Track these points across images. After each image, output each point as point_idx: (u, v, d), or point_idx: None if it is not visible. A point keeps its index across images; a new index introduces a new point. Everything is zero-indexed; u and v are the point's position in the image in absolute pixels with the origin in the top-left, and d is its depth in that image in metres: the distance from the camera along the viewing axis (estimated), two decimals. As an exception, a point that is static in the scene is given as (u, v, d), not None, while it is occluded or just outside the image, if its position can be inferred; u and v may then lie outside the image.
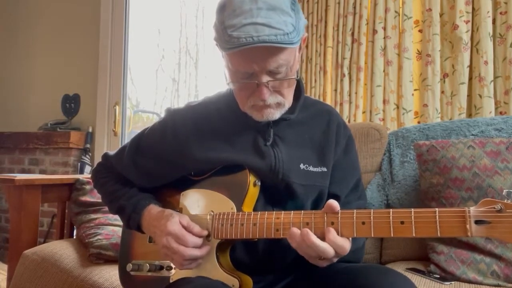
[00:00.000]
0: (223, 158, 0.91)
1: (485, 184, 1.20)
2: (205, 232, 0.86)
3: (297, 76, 0.89)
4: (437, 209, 0.67)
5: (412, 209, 0.69)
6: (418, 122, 1.88)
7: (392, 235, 0.70)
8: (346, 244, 0.74)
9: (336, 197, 0.95)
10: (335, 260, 0.78)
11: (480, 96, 1.71)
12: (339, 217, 0.74)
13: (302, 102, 0.98)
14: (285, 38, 0.79)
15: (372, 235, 0.72)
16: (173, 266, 0.93)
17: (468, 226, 0.64)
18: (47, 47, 3.08)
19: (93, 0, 2.92)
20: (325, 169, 0.95)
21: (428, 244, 1.28)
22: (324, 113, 1.02)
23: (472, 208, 0.65)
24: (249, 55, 0.80)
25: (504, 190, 0.66)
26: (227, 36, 0.78)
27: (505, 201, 0.64)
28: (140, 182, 1.01)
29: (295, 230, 0.75)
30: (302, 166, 0.92)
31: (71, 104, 2.98)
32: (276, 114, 0.88)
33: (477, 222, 0.64)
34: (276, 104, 0.87)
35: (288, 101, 0.90)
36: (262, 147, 0.92)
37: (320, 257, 0.74)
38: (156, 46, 3.25)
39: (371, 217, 0.72)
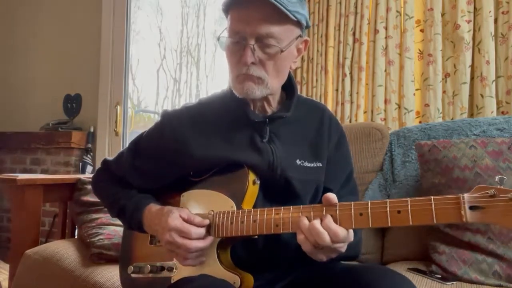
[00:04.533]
0: (221, 156, 0.92)
1: (487, 184, 1.19)
2: (207, 221, 0.86)
3: (290, 68, 0.93)
4: (432, 197, 0.69)
5: (408, 199, 0.70)
6: (420, 122, 1.88)
7: (389, 224, 0.71)
8: (340, 232, 0.73)
9: (330, 192, 0.96)
10: (334, 255, 0.78)
11: (482, 96, 1.71)
12: (338, 210, 0.75)
13: (296, 100, 0.99)
14: (285, 2, 0.82)
15: (370, 226, 0.72)
16: (174, 267, 0.93)
17: (463, 212, 0.65)
18: (48, 47, 3.09)
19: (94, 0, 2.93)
20: (320, 164, 0.96)
21: (430, 244, 1.28)
22: (316, 110, 1.04)
23: (466, 195, 0.66)
24: (244, 14, 0.84)
25: (497, 177, 0.67)
26: None
27: (498, 186, 0.65)
28: (141, 185, 1.02)
29: (305, 220, 0.76)
30: (298, 162, 0.93)
31: (72, 104, 2.98)
32: (256, 91, 0.88)
33: (471, 208, 0.65)
34: (258, 79, 0.88)
35: (271, 81, 0.89)
36: (259, 143, 0.92)
37: (317, 243, 0.74)
38: (157, 46, 3.26)
39: (369, 208, 0.72)
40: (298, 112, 0.99)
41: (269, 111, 0.97)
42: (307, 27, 0.93)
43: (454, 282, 1.14)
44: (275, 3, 0.81)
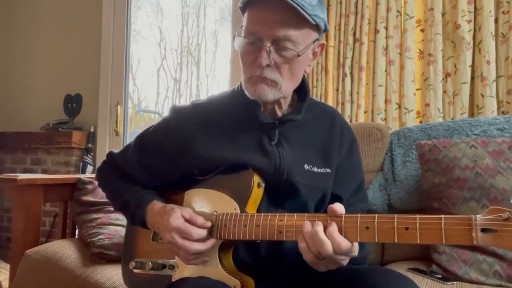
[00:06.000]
0: (227, 157, 0.90)
1: (487, 184, 1.19)
2: (209, 224, 0.86)
3: (305, 72, 0.90)
4: (443, 216, 0.66)
5: (418, 215, 0.68)
6: (420, 122, 1.88)
7: (396, 241, 0.68)
8: (344, 243, 0.71)
9: (339, 199, 0.95)
10: (333, 267, 0.77)
11: (482, 96, 1.71)
12: (343, 221, 0.73)
13: (307, 103, 0.97)
14: (306, 5, 0.81)
15: (376, 240, 0.70)
16: (176, 265, 0.93)
17: (474, 234, 0.63)
18: (48, 47, 3.09)
19: None
20: (329, 170, 0.94)
21: (430, 244, 1.28)
22: (328, 114, 1.02)
23: (478, 216, 0.64)
24: (262, 15, 0.82)
25: None
26: None
27: None
28: (145, 180, 1.01)
29: (308, 225, 0.74)
30: (306, 166, 0.92)
31: (73, 104, 2.98)
32: (268, 94, 0.87)
33: (483, 230, 0.63)
34: (271, 82, 0.86)
35: (284, 85, 0.88)
36: (267, 146, 0.91)
37: (320, 253, 0.72)
38: (157, 46, 3.26)
39: (375, 222, 0.70)
40: (309, 115, 0.97)
41: (279, 113, 0.95)
42: (325, 30, 0.91)
43: (454, 282, 1.14)
44: (296, 6, 0.79)
